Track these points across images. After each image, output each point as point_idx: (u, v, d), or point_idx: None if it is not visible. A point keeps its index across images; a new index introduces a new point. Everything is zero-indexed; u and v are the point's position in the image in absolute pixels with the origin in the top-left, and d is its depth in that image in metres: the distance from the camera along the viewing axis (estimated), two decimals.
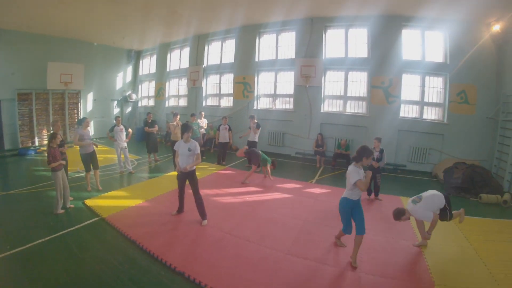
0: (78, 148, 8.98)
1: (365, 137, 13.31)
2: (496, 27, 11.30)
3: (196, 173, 6.84)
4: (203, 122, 13.79)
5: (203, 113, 14.17)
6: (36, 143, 16.74)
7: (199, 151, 6.71)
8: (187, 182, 6.83)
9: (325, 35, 14.43)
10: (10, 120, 15.97)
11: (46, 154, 7.20)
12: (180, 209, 7.19)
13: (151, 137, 12.87)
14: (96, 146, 9.19)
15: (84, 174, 9.20)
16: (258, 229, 6.55)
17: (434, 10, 11.47)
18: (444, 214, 5.84)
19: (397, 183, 11.17)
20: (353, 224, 5.37)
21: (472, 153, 11.86)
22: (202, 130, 13.56)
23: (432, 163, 12.61)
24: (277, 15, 14.21)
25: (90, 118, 18.40)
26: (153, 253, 5.36)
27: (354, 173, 5.18)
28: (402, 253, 5.69)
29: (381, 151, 8.61)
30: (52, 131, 7.89)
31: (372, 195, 8.92)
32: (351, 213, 5.36)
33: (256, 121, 12.38)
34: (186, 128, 6.69)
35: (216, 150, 15.39)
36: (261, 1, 12.41)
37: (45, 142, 16.83)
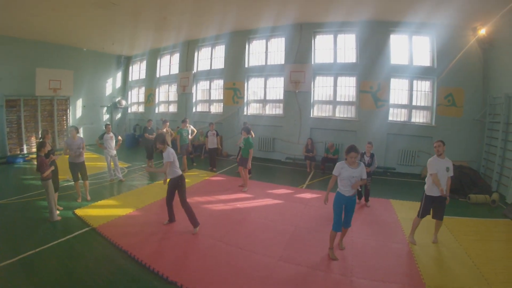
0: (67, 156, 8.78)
1: (354, 141, 13.28)
2: (482, 31, 11.53)
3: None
4: (189, 129, 13.72)
5: (187, 119, 14.07)
6: (25, 151, 16.51)
7: (169, 160, 6.55)
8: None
9: (314, 40, 14.56)
10: None
11: (36, 163, 7.17)
12: (171, 219, 7.15)
13: (150, 143, 12.77)
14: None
15: (74, 183, 9.01)
16: (250, 236, 6.57)
17: (421, 15, 11.67)
18: None
19: (387, 186, 11.29)
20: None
21: (460, 155, 11.96)
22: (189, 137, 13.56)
23: (421, 165, 12.69)
24: (266, 21, 14.33)
25: (79, 125, 18.54)
26: (145, 262, 5.34)
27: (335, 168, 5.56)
28: (392, 256, 5.76)
29: (372, 156, 8.65)
30: (41, 140, 7.83)
31: (363, 200, 8.95)
32: (343, 208, 5.57)
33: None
34: (158, 138, 6.77)
35: (206, 156, 15.43)
36: (250, 7, 12.45)
37: (34, 149, 16.67)
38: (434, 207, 6.27)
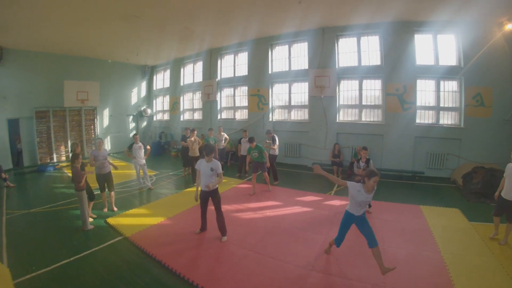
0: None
1: (381, 145, 13.30)
2: (509, 26, 11.19)
3: None
4: (222, 137, 13.85)
5: (221, 128, 14.24)
6: (55, 159, 17.10)
7: (221, 170, 6.79)
8: (210, 200, 6.91)
9: (337, 44, 14.41)
10: (28, 137, 16.44)
11: (71, 174, 7.38)
12: (203, 228, 7.23)
13: (187, 151, 12.73)
14: (116, 168, 9.09)
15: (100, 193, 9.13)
16: (281, 245, 6.56)
17: (446, 14, 11.37)
18: None
19: (416, 191, 11.07)
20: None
21: (491, 157, 11.61)
22: (223, 144, 13.70)
23: (451, 169, 12.44)
24: (288, 27, 14.32)
25: (106, 134, 19.03)
26: (179, 272, 5.41)
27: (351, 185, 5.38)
28: (424, 265, 5.63)
29: (367, 161, 8.43)
30: (72, 152, 8.02)
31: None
32: (349, 226, 5.64)
33: (272, 134, 12.35)
34: (209, 149, 6.75)
35: (232, 163, 15.65)
36: (273, 15, 12.49)
37: (63, 158, 17.28)
38: (507, 211, 6.52)
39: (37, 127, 16.55)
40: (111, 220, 8.03)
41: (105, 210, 8.89)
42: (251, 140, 10.72)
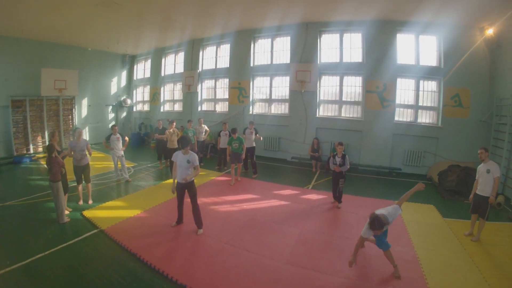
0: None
1: (360, 141, 13.48)
2: (490, 31, 11.41)
3: (194, 180, 6.89)
4: (203, 129, 13.80)
5: (202, 119, 14.16)
6: (31, 151, 16.60)
7: (198, 163, 6.77)
8: (186, 192, 6.89)
9: (320, 39, 14.47)
10: (4, 128, 15.81)
11: (47, 165, 7.20)
12: (180, 220, 7.20)
13: (162, 144, 12.84)
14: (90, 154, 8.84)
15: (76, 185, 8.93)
16: (257, 239, 6.60)
17: (428, 15, 11.53)
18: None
19: (393, 187, 11.28)
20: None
21: (466, 156, 11.87)
22: (203, 136, 13.70)
23: (427, 166, 12.70)
24: (272, 20, 14.24)
25: (85, 124, 18.63)
26: (154, 266, 5.39)
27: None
28: (398, 260, 5.66)
29: (343, 157, 8.49)
30: (49, 143, 7.82)
31: (335, 202, 8.94)
32: None
33: (254, 125, 12.55)
34: (186, 141, 6.71)
35: (212, 155, 15.58)
36: (256, 6, 12.37)
37: (40, 149, 16.80)
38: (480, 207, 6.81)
39: (13, 117, 15.94)
40: (87, 213, 7.89)
41: (80, 202, 8.70)
42: (233, 131, 11.01)
